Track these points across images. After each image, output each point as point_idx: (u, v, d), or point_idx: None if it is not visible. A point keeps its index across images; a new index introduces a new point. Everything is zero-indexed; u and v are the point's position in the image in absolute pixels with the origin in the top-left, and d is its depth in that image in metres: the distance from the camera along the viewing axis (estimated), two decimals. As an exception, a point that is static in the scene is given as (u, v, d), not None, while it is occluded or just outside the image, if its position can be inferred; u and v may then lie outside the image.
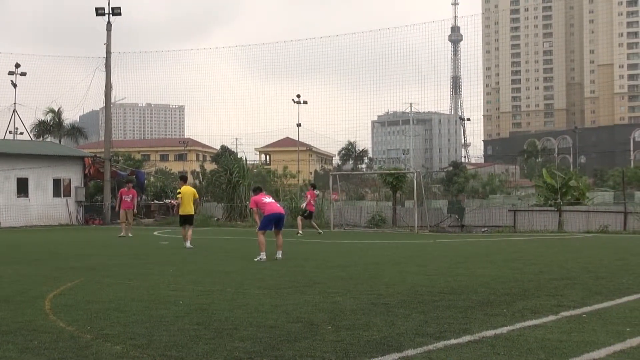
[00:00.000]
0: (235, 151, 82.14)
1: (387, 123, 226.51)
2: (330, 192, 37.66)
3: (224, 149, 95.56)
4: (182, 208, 21.62)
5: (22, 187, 40.93)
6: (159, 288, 11.34)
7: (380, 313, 8.72)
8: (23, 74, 65.90)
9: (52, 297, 10.12)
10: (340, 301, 9.71)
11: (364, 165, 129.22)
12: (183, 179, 23.33)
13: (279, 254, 16.43)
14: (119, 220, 30.06)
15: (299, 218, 29.35)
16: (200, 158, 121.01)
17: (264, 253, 16.16)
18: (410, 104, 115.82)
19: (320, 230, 28.98)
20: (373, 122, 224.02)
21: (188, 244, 20.88)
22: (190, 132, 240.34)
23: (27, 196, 41.00)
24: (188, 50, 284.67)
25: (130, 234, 27.91)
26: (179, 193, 21.69)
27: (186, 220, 21.59)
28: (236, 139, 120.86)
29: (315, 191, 30.94)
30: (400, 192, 37.26)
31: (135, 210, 29.85)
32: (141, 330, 7.73)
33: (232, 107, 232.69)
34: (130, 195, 29.03)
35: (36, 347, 6.87)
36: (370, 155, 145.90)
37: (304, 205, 30.68)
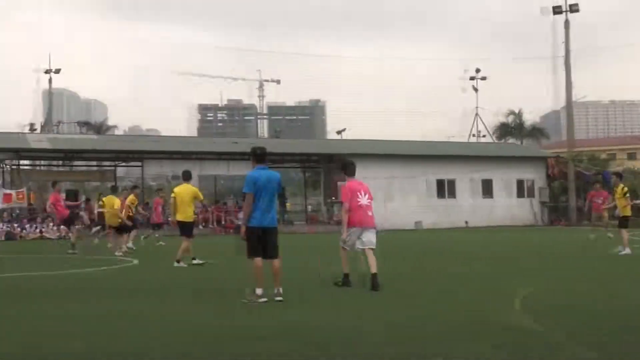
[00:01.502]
0: None
1: None
2: None
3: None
4: None
5: (487, 188, 42.35)
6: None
7: None
8: (483, 79, 68.96)
9: (523, 297, 9.98)
10: None
11: None
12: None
13: None
14: (585, 222, 28.34)
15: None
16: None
17: None
18: None
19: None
20: None
21: None
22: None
23: (491, 197, 42.29)
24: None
25: (610, 235, 23.02)
26: None
27: None
28: None
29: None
30: None
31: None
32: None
33: None
34: (601, 198, 25.70)
35: (506, 344, 6.88)
36: None
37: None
